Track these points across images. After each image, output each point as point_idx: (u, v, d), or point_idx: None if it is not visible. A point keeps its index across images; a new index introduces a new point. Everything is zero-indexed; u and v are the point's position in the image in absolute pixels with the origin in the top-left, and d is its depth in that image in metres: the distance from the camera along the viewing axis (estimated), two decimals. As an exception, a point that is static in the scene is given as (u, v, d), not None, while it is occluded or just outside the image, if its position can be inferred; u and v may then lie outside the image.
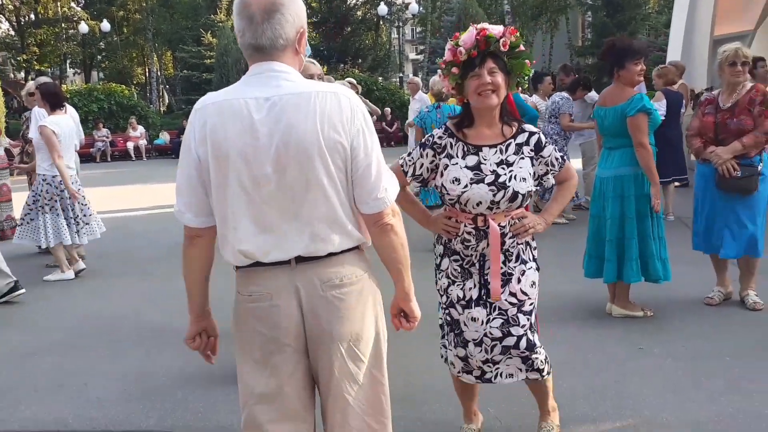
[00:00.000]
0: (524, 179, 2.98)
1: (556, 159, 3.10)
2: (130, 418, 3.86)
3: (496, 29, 2.98)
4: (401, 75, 34.12)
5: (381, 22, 34.88)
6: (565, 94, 8.48)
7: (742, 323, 4.84)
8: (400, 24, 38.35)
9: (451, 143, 3.06)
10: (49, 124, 6.78)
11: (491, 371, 3.11)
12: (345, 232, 2.14)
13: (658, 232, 4.85)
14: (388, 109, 24.71)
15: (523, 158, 3.01)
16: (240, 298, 2.22)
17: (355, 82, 10.99)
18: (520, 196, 2.97)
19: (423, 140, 3.15)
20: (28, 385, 4.39)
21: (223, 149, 2.04)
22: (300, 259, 2.12)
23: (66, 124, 7.03)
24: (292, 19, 2.09)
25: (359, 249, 2.23)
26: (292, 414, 2.21)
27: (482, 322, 3.05)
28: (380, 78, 31.80)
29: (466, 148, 3.04)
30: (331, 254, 2.13)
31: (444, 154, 3.06)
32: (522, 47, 3.04)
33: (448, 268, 3.16)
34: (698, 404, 3.67)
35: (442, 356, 3.33)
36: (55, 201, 6.96)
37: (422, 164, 3.10)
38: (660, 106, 8.26)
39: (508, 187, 2.95)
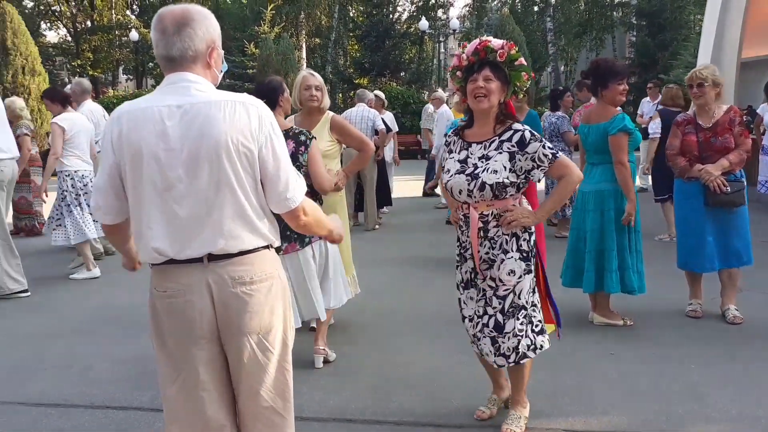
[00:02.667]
0: (495, 171, 3.33)
1: (545, 155, 3.35)
2: (125, 396, 4.19)
3: (497, 42, 3.42)
4: (440, 88, 34.40)
5: (424, 37, 35.27)
6: (560, 113, 8.69)
7: (715, 334, 4.99)
8: (442, 39, 38.65)
9: (454, 140, 3.56)
10: (59, 121, 7.02)
11: (477, 346, 3.54)
12: (254, 230, 2.31)
13: (636, 245, 5.03)
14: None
15: (501, 153, 3.36)
16: (156, 294, 2.37)
17: (382, 95, 11.33)
18: (487, 186, 3.32)
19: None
20: (38, 364, 4.77)
21: (137, 153, 2.22)
22: (212, 257, 2.27)
23: (79, 121, 7.25)
24: (202, 34, 2.28)
25: (269, 249, 2.40)
26: (211, 400, 2.39)
27: (475, 301, 3.49)
28: (423, 91, 32.15)
29: (462, 144, 3.51)
30: (241, 253, 2.30)
31: (448, 149, 3.56)
32: (522, 60, 3.46)
33: (457, 254, 3.60)
34: (651, 405, 3.86)
35: None
36: (80, 195, 7.20)
37: (444, 158, 3.61)
38: (654, 126, 8.38)
39: (479, 177, 3.34)
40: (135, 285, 6.83)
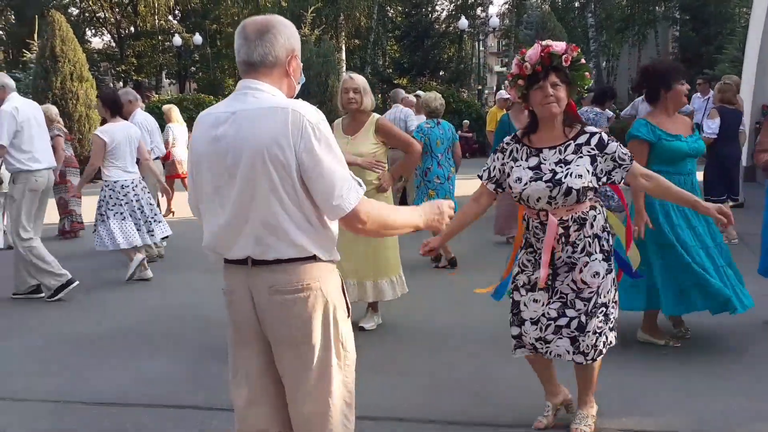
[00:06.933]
0: (580, 176, 3.29)
1: (625, 154, 3.37)
2: (181, 395, 4.30)
3: (559, 46, 3.36)
4: (480, 87, 34.27)
5: (463, 35, 35.19)
6: (597, 108, 8.60)
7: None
8: (482, 37, 38.50)
9: (516, 148, 3.49)
10: (101, 134, 7.15)
11: (542, 348, 3.48)
12: (290, 241, 2.26)
13: (650, 259, 4.59)
14: (466, 122, 24.95)
15: (581, 157, 3.34)
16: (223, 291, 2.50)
17: (421, 94, 11.31)
18: (574, 191, 3.29)
19: (495, 147, 3.64)
20: (96, 364, 4.91)
21: (196, 156, 2.36)
22: (255, 262, 2.30)
23: (120, 131, 7.30)
24: (282, 41, 2.33)
25: (315, 259, 2.33)
26: (257, 399, 2.46)
27: (543, 303, 3.44)
28: (462, 89, 32.07)
29: (529, 151, 3.45)
30: (281, 261, 2.28)
31: (510, 158, 3.48)
32: (583, 60, 3.40)
33: (521, 258, 3.56)
34: (706, 405, 3.85)
35: None
36: (120, 205, 7.26)
37: (495, 167, 3.54)
38: (712, 125, 8.18)
39: (563, 183, 3.29)
40: (184, 289, 7.00)
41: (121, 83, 41.57)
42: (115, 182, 7.25)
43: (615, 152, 3.34)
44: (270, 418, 2.49)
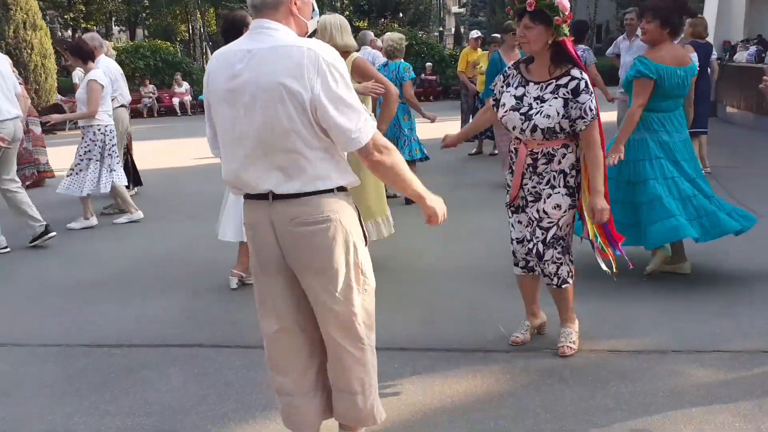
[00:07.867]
0: (548, 116, 3.47)
1: (590, 109, 3.45)
2: (183, 334, 4.39)
3: None
4: (441, 29, 34.03)
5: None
6: (583, 45, 8.68)
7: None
8: (441, -23, 38.10)
9: (513, 74, 3.69)
10: (99, 79, 7.12)
11: (532, 262, 3.75)
12: (311, 173, 2.37)
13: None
14: (429, 64, 24.88)
15: (557, 98, 3.48)
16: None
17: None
18: (539, 130, 3.49)
19: (488, 86, 3.79)
20: (93, 309, 4.95)
21: (214, 92, 2.42)
22: (276, 196, 2.41)
23: (105, 77, 7.34)
24: None
25: (334, 192, 2.45)
26: (286, 325, 2.61)
27: (524, 225, 3.71)
28: (420, 32, 31.82)
29: (520, 80, 3.64)
30: (301, 194, 2.39)
31: (505, 82, 3.70)
32: (561, 2, 3.40)
33: (507, 180, 3.80)
34: (688, 324, 4.09)
35: None
36: (105, 149, 7.32)
37: (496, 88, 3.77)
38: (693, 58, 8.28)
39: (532, 119, 3.49)
40: (168, 236, 7.02)
41: (69, 32, 40.30)
42: (106, 126, 7.29)
43: (584, 104, 3.44)
44: (299, 343, 2.63)
